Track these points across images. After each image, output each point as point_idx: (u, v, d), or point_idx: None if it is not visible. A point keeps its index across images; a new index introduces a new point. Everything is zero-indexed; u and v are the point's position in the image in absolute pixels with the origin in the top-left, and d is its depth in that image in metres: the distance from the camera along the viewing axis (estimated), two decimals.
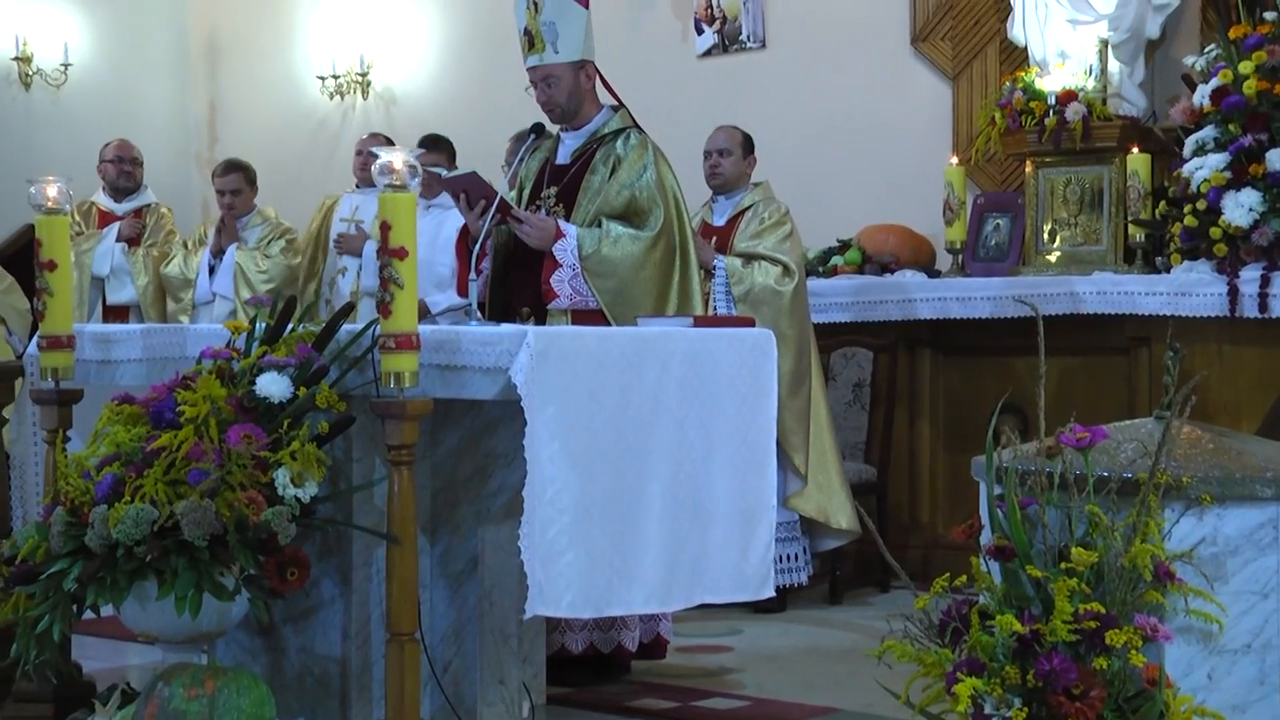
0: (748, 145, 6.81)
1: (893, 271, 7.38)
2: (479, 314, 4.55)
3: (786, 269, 6.49)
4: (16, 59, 9.39)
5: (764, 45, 8.38)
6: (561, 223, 4.96)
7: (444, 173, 4.92)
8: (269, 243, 8.23)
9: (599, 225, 4.98)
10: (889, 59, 8.00)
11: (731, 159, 6.74)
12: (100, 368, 4.75)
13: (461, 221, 7.37)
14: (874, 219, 7.69)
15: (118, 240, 8.36)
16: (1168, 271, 6.56)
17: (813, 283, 7.34)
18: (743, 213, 6.69)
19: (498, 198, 4.86)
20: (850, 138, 8.08)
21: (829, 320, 7.22)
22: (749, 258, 6.51)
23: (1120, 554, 3.31)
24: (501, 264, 5.15)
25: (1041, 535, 3.39)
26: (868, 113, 8.03)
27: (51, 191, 4.62)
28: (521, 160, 5.32)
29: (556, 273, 4.90)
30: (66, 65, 9.55)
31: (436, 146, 7.49)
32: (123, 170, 8.46)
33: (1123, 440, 3.59)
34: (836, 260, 7.55)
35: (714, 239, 6.64)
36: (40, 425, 4.68)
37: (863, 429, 7.09)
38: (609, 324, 4.84)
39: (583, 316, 4.93)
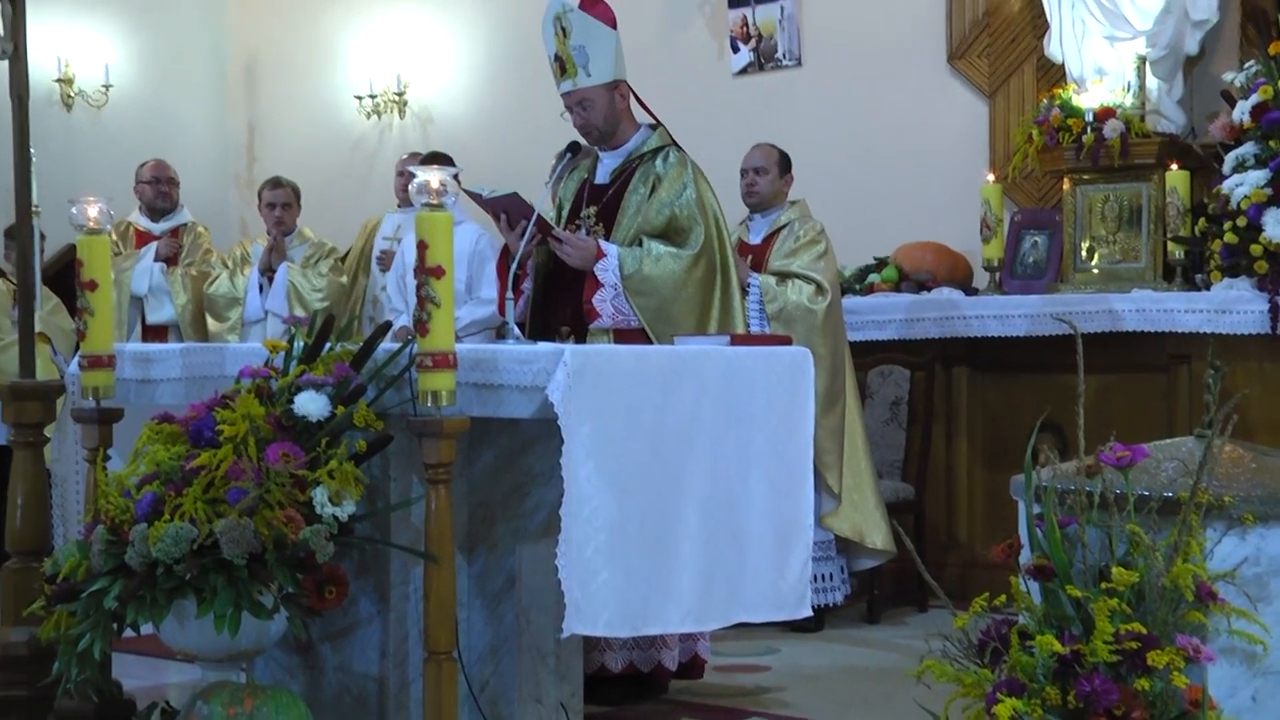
0: (784, 163, 6.81)
1: (930, 289, 7.35)
2: (518, 333, 4.55)
3: (820, 287, 6.48)
4: (59, 80, 9.48)
5: (800, 63, 8.38)
6: (602, 243, 4.97)
7: (485, 193, 4.92)
8: (316, 261, 8.29)
9: (640, 244, 4.99)
10: (925, 76, 7.98)
11: (768, 177, 6.74)
12: (140, 386, 4.77)
13: (472, 235, 7.46)
14: (911, 236, 7.67)
15: (156, 260, 8.41)
16: (1208, 288, 6.51)
17: (849, 300, 7.33)
18: (778, 231, 6.69)
19: (535, 216, 4.86)
20: (886, 155, 8.07)
21: (866, 338, 7.21)
22: (783, 275, 6.51)
23: (1161, 574, 3.27)
24: (541, 283, 5.15)
25: (1081, 555, 3.36)
26: (904, 130, 8.01)
27: (92, 212, 4.65)
28: (559, 179, 5.33)
29: (599, 292, 4.91)
30: (107, 86, 9.63)
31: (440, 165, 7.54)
32: (159, 190, 8.51)
33: (1163, 459, 3.55)
34: (873, 278, 7.53)
35: (750, 257, 6.64)
36: (81, 444, 4.70)
37: (900, 447, 7.07)
38: (651, 342, 4.84)
39: (625, 335, 4.93)
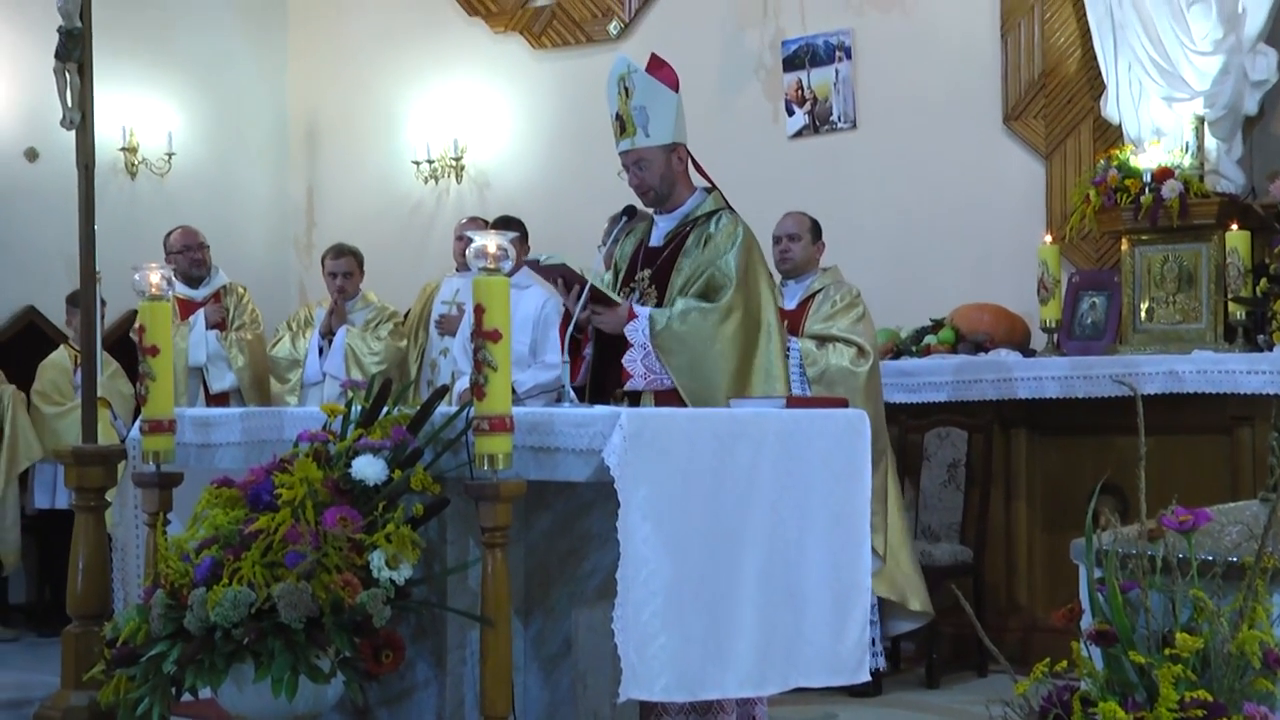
0: (816, 230, 6.84)
1: (987, 351, 7.31)
2: (573, 396, 4.56)
3: (861, 350, 6.48)
4: (123, 149, 9.60)
5: (855, 125, 8.39)
6: (635, 306, 4.98)
7: (541, 259, 4.95)
8: (377, 325, 8.33)
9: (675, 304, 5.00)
10: (981, 138, 7.98)
11: (800, 244, 6.77)
12: (200, 451, 4.81)
13: (539, 299, 7.49)
14: (968, 298, 7.64)
15: (207, 328, 8.42)
16: (1270, 349, 6.44)
17: (906, 362, 7.30)
18: (813, 296, 6.70)
19: (587, 285, 4.88)
20: (943, 216, 8.06)
21: (923, 400, 7.17)
22: (823, 339, 6.51)
23: (1227, 640, 3.22)
24: (599, 348, 5.17)
25: (1144, 620, 3.32)
26: (960, 191, 8.00)
27: (154, 278, 4.71)
28: (615, 241, 5.35)
29: (629, 353, 4.91)
30: (170, 154, 9.75)
31: (508, 228, 7.58)
32: (192, 259, 8.41)
33: (1227, 523, 3.51)
34: (930, 339, 7.50)
35: (785, 321, 6.64)
36: (141, 508, 4.73)
37: (958, 509, 7.01)
38: (684, 403, 4.82)
39: (665, 398, 4.92)
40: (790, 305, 6.74)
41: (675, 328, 4.88)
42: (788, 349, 6.40)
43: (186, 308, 8.43)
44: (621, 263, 5.31)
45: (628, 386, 4.93)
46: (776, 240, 6.76)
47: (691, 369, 4.88)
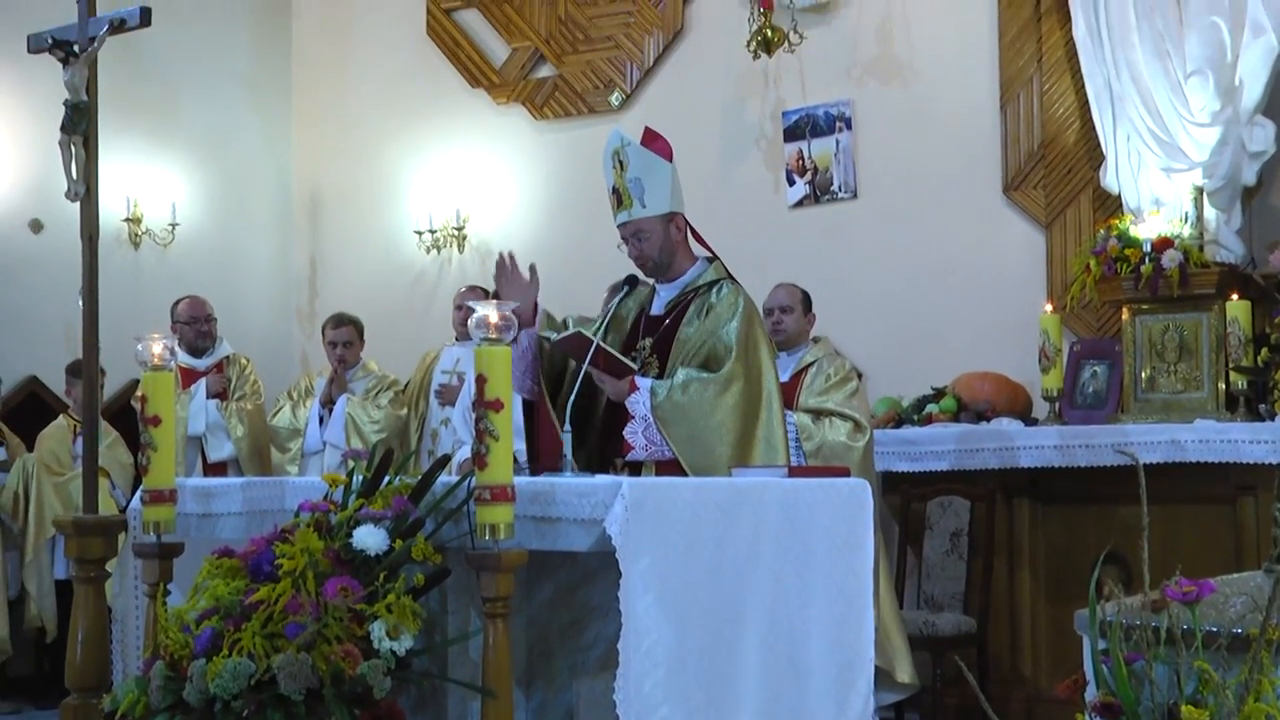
0: (807, 302, 6.85)
1: (989, 419, 7.31)
2: (574, 465, 4.56)
3: (858, 424, 6.47)
4: (127, 219, 9.64)
5: (855, 195, 8.44)
6: (637, 377, 4.99)
7: (554, 336, 4.98)
8: (377, 394, 8.35)
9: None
10: (981, 207, 8.02)
11: (793, 316, 6.76)
12: (201, 521, 4.80)
13: None
14: (969, 366, 7.66)
15: (207, 397, 8.42)
16: (1272, 419, 6.44)
17: (908, 431, 7.30)
18: (805, 369, 6.68)
19: (593, 346, 4.89)
20: (943, 285, 8.08)
21: (925, 469, 7.16)
22: (818, 413, 6.50)
23: (1233, 713, 3.20)
24: (604, 417, 5.17)
25: (1149, 692, 3.29)
26: (961, 261, 8.03)
27: (156, 348, 4.72)
28: (617, 302, 5.35)
29: (630, 424, 4.91)
30: (174, 225, 9.78)
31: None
32: (199, 331, 8.45)
33: (1231, 594, 3.49)
34: (932, 408, 7.50)
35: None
36: (142, 579, 4.72)
37: (961, 579, 6.98)
38: (685, 473, 4.81)
39: (667, 468, 4.91)
40: (783, 378, 6.74)
41: (676, 399, 4.88)
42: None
43: (189, 377, 8.43)
44: (621, 325, 5.30)
45: (629, 458, 4.93)
46: (768, 312, 6.75)
47: (692, 440, 4.88)
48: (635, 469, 4.95)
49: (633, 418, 4.91)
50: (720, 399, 4.90)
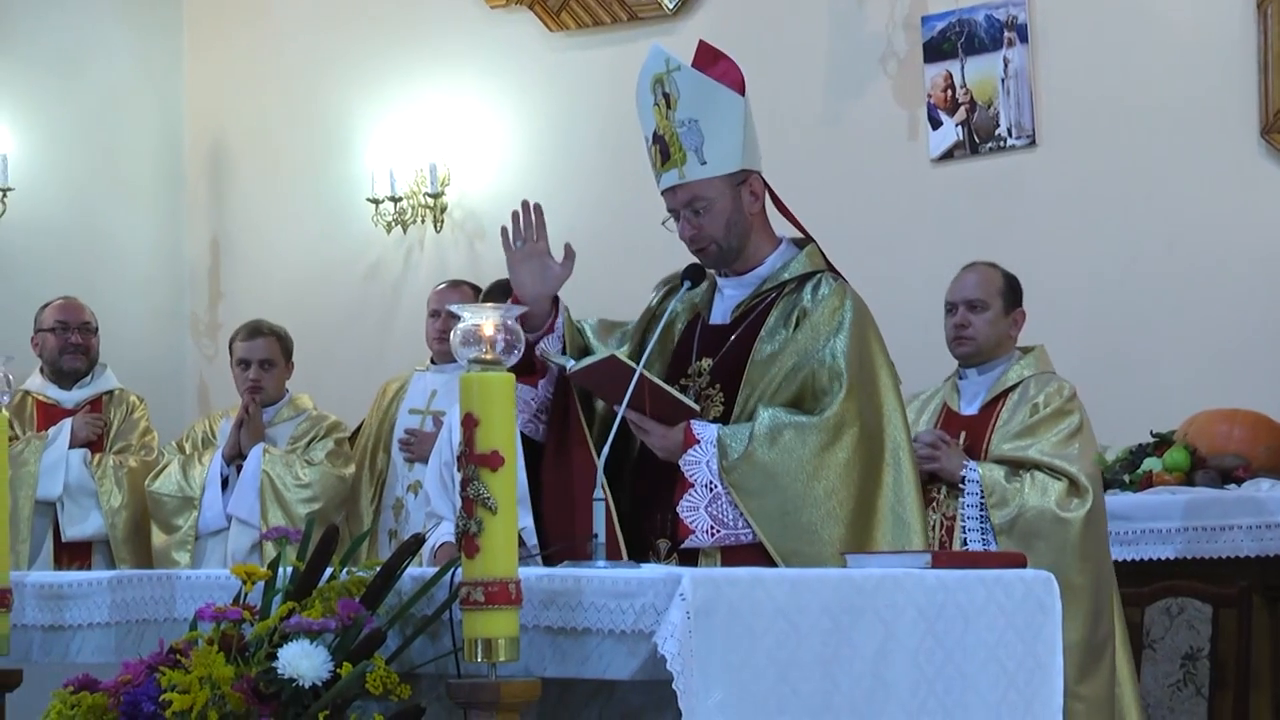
0: (1011, 293, 6.74)
1: (1240, 481, 7.29)
2: (613, 548, 4.57)
3: (1075, 484, 6.42)
4: None
5: (1033, 142, 8.44)
6: (695, 424, 4.94)
7: (571, 363, 4.96)
8: (309, 443, 8.34)
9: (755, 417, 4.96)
10: (1226, 159, 8.00)
11: (987, 315, 6.67)
12: (48, 636, 4.83)
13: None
14: (1208, 401, 7.64)
15: (72, 446, 8.45)
16: None
17: (1117, 499, 7.28)
18: (1004, 394, 6.64)
19: (635, 376, 4.87)
20: (1168, 279, 8.07)
21: (1141, 556, 7.15)
22: (1017, 465, 6.46)
23: None
24: (640, 475, 5.17)
25: None
26: (1193, 237, 8.02)
27: None
28: (657, 300, 5.33)
29: (688, 496, 4.87)
30: (4, 190, 9.83)
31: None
32: (68, 343, 8.51)
33: None
34: (1151, 465, 7.48)
35: (962, 434, 6.61)
36: None
37: None
38: (770, 562, 4.80)
39: (741, 556, 4.89)
40: (970, 409, 6.69)
41: (760, 456, 4.85)
42: (960, 479, 6.38)
43: (49, 415, 8.48)
44: (669, 338, 5.26)
45: (686, 544, 4.92)
46: (950, 308, 6.66)
47: (785, 517, 4.84)
48: (689, 557, 4.95)
49: (691, 485, 4.89)
50: (827, 455, 4.87)
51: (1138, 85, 8.21)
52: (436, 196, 9.94)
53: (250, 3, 10.60)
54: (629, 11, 9.45)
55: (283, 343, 8.47)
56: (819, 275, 5.12)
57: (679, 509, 4.89)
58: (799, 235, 5.24)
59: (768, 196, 5.17)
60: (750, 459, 4.85)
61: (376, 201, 10.04)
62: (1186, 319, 8.01)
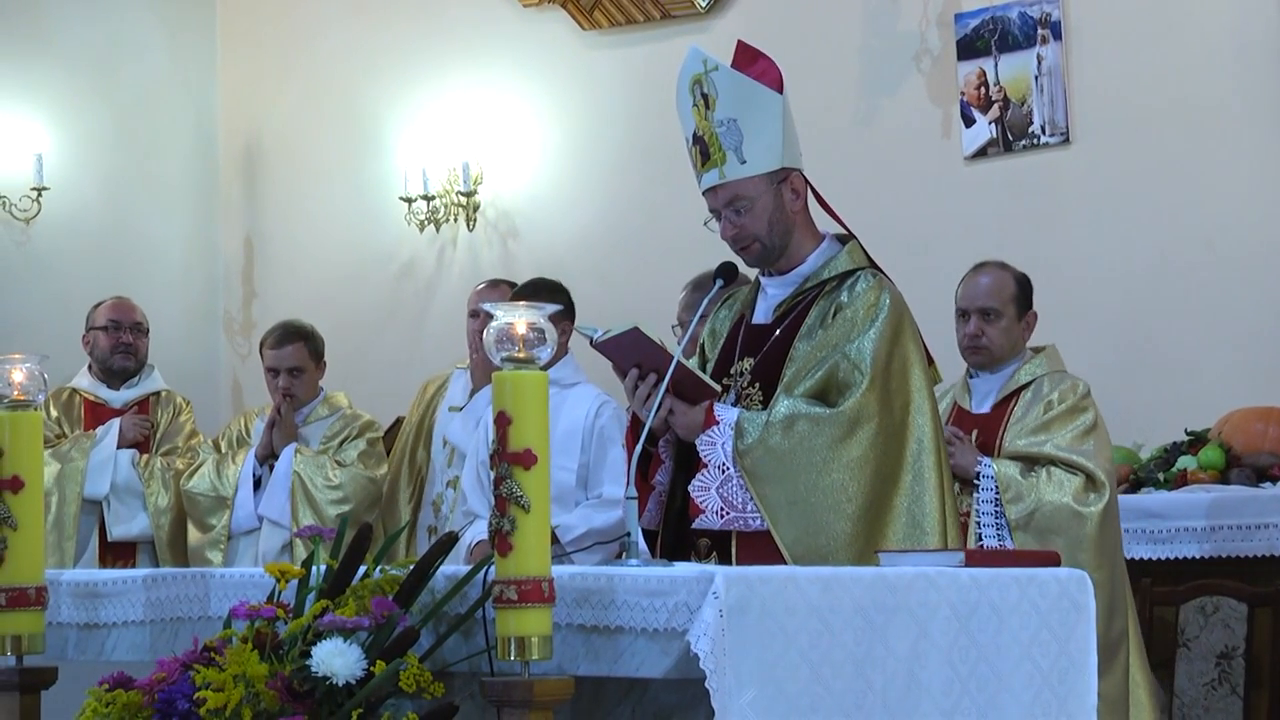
0: (1023, 296, 6.69)
1: (1275, 480, 7.27)
2: (645, 548, 4.57)
3: (1092, 479, 6.40)
4: None
5: (1067, 139, 8.42)
6: (718, 406, 4.96)
7: (596, 333, 4.95)
8: (341, 444, 8.33)
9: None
10: (1260, 157, 7.98)
11: (1000, 323, 6.59)
12: (83, 635, 4.83)
13: (589, 402, 7.45)
14: (1243, 399, 7.62)
15: (120, 446, 8.46)
16: None
17: (1150, 498, 7.26)
18: (1017, 393, 6.62)
19: (673, 363, 4.86)
20: (1203, 275, 8.05)
21: (1176, 555, 7.13)
22: (1031, 461, 6.44)
23: None
24: (677, 473, 5.17)
25: None
26: (1229, 237, 7.99)
27: (17, 376, 4.74)
28: (702, 315, 5.35)
29: (700, 475, 4.88)
30: (39, 190, 9.84)
31: (553, 297, 7.55)
32: (120, 342, 8.52)
33: None
34: (1186, 463, 7.46)
35: (975, 432, 6.58)
36: None
37: None
38: (784, 560, 4.79)
39: (753, 546, 4.90)
40: (982, 407, 6.67)
41: (773, 442, 4.85)
42: (974, 475, 6.37)
43: (98, 414, 8.49)
44: (714, 343, 5.31)
45: (695, 524, 4.92)
46: (963, 315, 6.63)
47: (792, 506, 4.84)
48: (725, 552, 4.94)
49: (705, 465, 4.90)
50: (840, 448, 4.86)
51: (1172, 82, 8.18)
52: (469, 195, 9.94)
53: (283, 2, 10.61)
54: (661, 10, 9.45)
55: (311, 345, 8.42)
56: (859, 272, 5.12)
57: (690, 488, 4.91)
58: (842, 232, 5.24)
59: (810, 194, 5.17)
60: (764, 445, 4.87)
61: (409, 200, 10.04)
62: (1221, 317, 7.98)
